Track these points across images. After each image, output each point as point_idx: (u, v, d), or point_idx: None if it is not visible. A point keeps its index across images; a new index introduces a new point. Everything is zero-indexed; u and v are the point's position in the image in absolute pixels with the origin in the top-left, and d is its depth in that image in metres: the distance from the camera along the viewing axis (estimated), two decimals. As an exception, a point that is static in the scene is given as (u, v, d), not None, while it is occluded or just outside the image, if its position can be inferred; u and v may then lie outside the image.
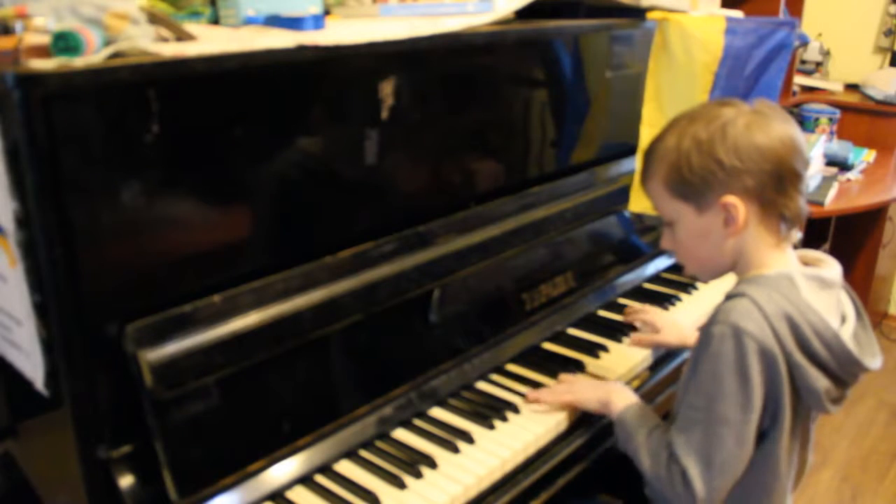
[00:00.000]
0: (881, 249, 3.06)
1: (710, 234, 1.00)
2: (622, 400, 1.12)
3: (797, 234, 1.03)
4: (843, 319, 1.01)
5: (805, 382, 0.95)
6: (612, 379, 1.27)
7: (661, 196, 1.03)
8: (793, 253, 1.03)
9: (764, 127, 0.96)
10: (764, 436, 0.99)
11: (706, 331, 0.97)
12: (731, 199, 0.96)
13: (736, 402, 0.94)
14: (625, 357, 1.34)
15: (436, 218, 1.27)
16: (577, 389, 1.18)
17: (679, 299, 1.57)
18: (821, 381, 0.95)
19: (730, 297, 0.98)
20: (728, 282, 1.05)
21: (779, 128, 0.96)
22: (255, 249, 1.04)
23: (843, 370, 0.96)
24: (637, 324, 1.42)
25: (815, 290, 0.98)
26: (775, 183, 0.96)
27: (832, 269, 1.02)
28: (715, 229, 1.00)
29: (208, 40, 0.96)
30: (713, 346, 0.96)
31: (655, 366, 1.37)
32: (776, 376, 0.94)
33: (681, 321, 1.41)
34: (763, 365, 0.93)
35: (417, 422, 1.14)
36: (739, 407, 0.94)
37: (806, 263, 1.04)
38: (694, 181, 0.98)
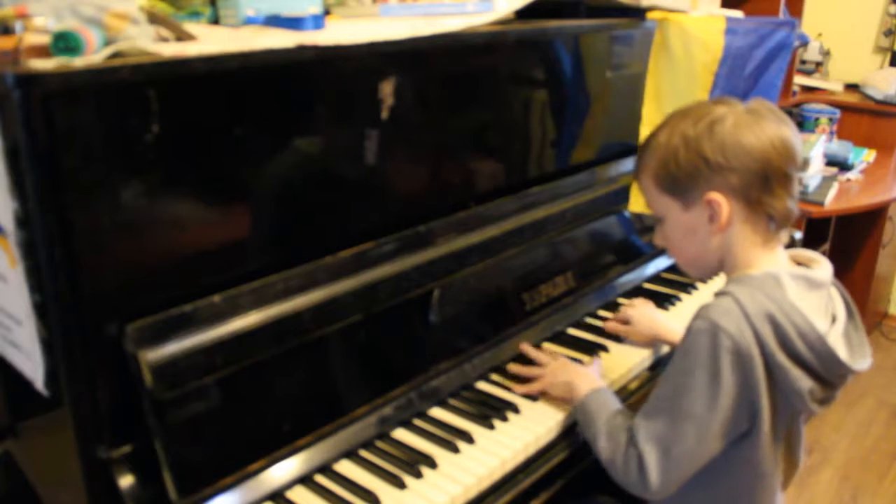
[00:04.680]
0: (881, 249, 3.06)
1: (697, 231, 1.01)
2: (586, 385, 1.13)
3: (787, 234, 1.02)
4: (834, 319, 1.01)
5: (787, 383, 0.94)
6: (613, 379, 1.27)
7: (651, 191, 1.04)
8: (783, 252, 1.03)
9: (754, 127, 0.95)
10: (744, 437, 0.98)
11: (688, 326, 0.98)
12: (714, 195, 0.97)
13: (703, 397, 0.94)
14: (625, 357, 1.34)
15: (436, 218, 1.27)
16: (547, 374, 1.20)
17: (679, 299, 1.57)
18: (804, 382, 0.94)
19: (715, 296, 0.98)
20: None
21: (770, 128, 0.96)
22: (255, 249, 1.04)
23: (828, 372, 0.95)
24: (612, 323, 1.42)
25: (803, 290, 0.97)
26: (761, 183, 0.96)
27: (822, 269, 1.02)
28: (700, 226, 1.00)
29: (208, 40, 0.96)
30: (689, 340, 0.96)
31: (655, 366, 1.37)
32: (751, 377, 0.93)
33: (656, 316, 1.40)
34: (737, 365, 0.93)
35: (417, 422, 1.14)
36: (706, 403, 0.94)
37: (798, 263, 1.03)
38: (680, 177, 0.99)
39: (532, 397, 1.20)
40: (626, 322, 1.40)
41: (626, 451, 1.01)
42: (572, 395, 1.14)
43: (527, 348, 1.30)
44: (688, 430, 0.95)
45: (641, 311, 1.40)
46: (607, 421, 1.06)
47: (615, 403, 1.10)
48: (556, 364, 1.24)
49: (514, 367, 1.26)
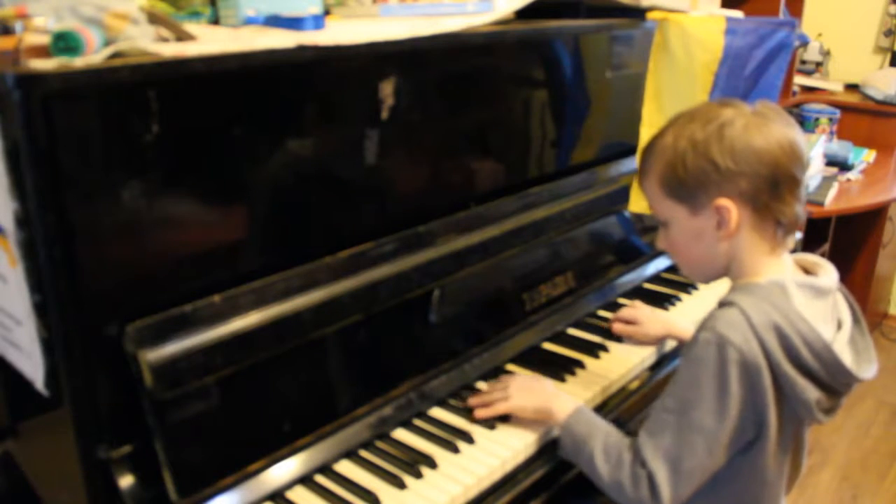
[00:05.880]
0: (881, 249, 3.06)
1: (703, 236, 0.99)
2: (564, 408, 1.09)
3: (793, 240, 1.01)
4: (839, 326, 1.00)
5: (795, 393, 0.93)
6: (613, 379, 1.27)
7: (656, 195, 1.02)
8: (789, 259, 1.01)
9: (763, 129, 0.94)
10: (749, 446, 0.97)
11: (694, 337, 0.97)
12: (723, 201, 0.95)
13: (711, 410, 0.93)
14: (625, 357, 1.34)
15: (436, 218, 1.27)
16: (512, 396, 1.13)
17: (679, 299, 1.57)
18: (811, 392, 0.93)
19: (720, 305, 0.97)
20: (728, 284, 1.05)
21: (778, 131, 0.94)
22: (255, 249, 1.04)
23: (835, 381, 0.94)
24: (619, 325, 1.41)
25: (809, 298, 0.96)
26: (771, 187, 0.94)
27: (828, 275, 1.00)
28: (708, 231, 0.98)
29: (208, 40, 0.96)
30: (696, 351, 0.95)
31: (656, 366, 1.37)
32: (759, 388, 0.93)
33: (662, 313, 1.40)
34: (744, 376, 0.92)
35: (417, 422, 1.14)
36: (714, 415, 0.93)
37: (803, 268, 1.02)
38: (688, 181, 0.96)
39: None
40: (631, 322, 1.39)
41: (632, 472, 0.98)
42: (549, 419, 1.10)
43: (478, 393, 1.19)
44: (697, 443, 0.94)
45: (647, 313, 1.39)
46: (602, 441, 1.03)
47: (601, 421, 1.07)
48: (518, 385, 1.16)
49: (472, 400, 1.17)
